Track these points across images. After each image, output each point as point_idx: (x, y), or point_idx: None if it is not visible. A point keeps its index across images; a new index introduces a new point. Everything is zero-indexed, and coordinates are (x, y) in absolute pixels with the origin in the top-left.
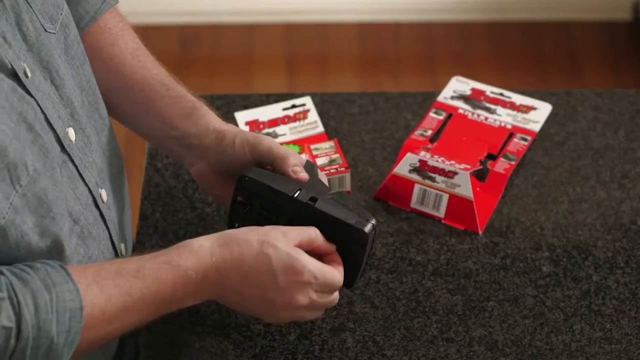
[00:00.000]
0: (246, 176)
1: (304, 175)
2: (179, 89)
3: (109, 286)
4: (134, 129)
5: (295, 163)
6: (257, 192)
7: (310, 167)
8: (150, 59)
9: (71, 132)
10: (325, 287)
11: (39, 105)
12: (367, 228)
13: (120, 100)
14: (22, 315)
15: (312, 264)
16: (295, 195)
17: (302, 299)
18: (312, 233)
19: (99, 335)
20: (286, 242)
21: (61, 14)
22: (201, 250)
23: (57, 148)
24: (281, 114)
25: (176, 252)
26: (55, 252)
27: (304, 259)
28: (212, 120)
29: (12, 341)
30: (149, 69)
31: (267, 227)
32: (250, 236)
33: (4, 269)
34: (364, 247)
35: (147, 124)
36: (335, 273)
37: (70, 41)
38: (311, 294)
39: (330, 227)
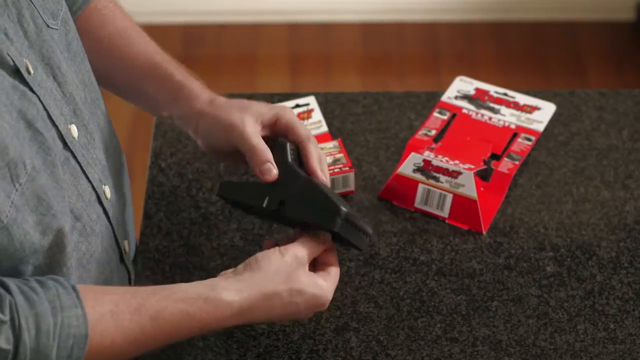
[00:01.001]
0: (218, 192)
1: (269, 176)
2: (165, 69)
3: (124, 320)
4: (131, 102)
5: (264, 161)
6: (235, 202)
7: (281, 147)
8: (139, 38)
9: (74, 129)
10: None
11: (41, 102)
12: (336, 226)
13: (112, 81)
14: (21, 339)
15: (330, 292)
16: (265, 204)
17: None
18: (320, 247)
19: None
20: (309, 280)
21: (61, 10)
22: (228, 309)
23: (60, 145)
24: None
25: (201, 305)
26: (57, 249)
27: (326, 294)
28: (196, 104)
29: None
30: (137, 49)
31: (291, 268)
32: (280, 288)
33: (13, 285)
34: (340, 239)
35: (140, 103)
36: (336, 279)
37: (71, 37)
38: None
39: (304, 225)
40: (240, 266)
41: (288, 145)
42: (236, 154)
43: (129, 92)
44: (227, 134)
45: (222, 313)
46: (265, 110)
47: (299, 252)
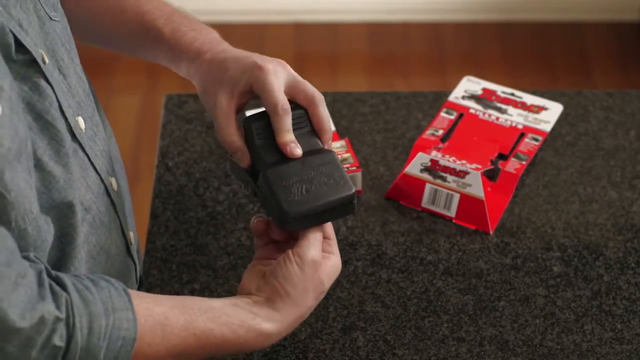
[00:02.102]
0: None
1: (241, 164)
2: (155, 30)
3: (172, 335)
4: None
5: (232, 150)
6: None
7: (247, 130)
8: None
9: (81, 121)
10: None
11: (54, 92)
12: (288, 227)
13: (115, 46)
14: (74, 337)
15: (339, 259)
16: (248, 190)
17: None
18: (321, 236)
19: None
20: (328, 273)
21: (59, 4)
22: (267, 338)
23: (69, 137)
24: None
25: (244, 333)
26: (69, 241)
27: (338, 263)
28: (182, 68)
29: (59, 359)
30: (128, 13)
31: (315, 279)
32: (311, 302)
33: (69, 282)
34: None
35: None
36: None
37: (69, 32)
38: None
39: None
40: (267, 293)
41: (253, 125)
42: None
43: (132, 53)
44: (207, 107)
45: (260, 342)
46: (238, 77)
47: (313, 255)
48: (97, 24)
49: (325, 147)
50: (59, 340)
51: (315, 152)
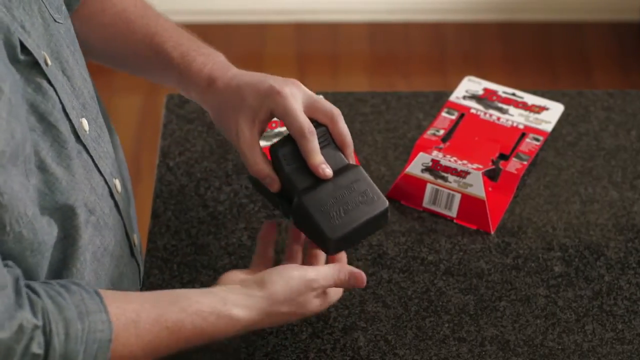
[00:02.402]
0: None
1: (272, 189)
2: (165, 53)
3: (144, 331)
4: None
5: (262, 177)
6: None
7: (275, 157)
8: (137, 19)
9: (85, 122)
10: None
11: (57, 94)
12: (329, 251)
13: (123, 65)
14: (51, 344)
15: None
16: (280, 210)
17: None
18: (335, 278)
19: None
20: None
21: (63, 6)
22: (237, 325)
23: (73, 138)
24: None
25: (215, 320)
26: (71, 242)
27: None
28: (195, 91)
29: None
30: (137, 33)
31: (297, 295)
32: (284, 309)
33: (40, 289)
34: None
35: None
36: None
37: (73, 34)
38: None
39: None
40: (250, 277)
41: (280, 152)
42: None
43: (142, 75)
44: (225, 133)
45: (232, 328)
46: (258, 104)
47: (322, 285)
48: (107, 45)
49: (349, 161)
50: (37, 348)
51: (343, 169)
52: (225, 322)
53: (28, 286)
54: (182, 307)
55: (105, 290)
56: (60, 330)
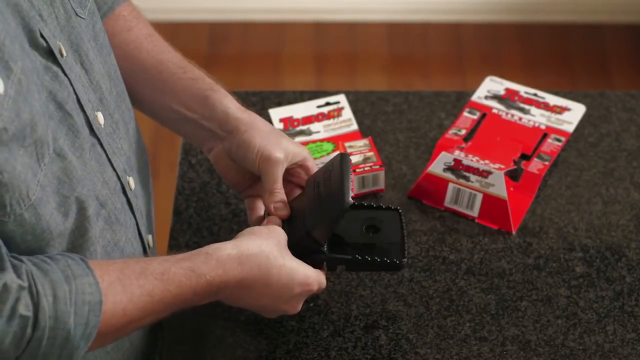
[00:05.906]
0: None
1: (283, 213)
2: (195, 72)
3: (132, 285)
4: (152, 114)
5: (277, 200)
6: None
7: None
8: (164, 44)
9: (100, 116)
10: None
11: (72, 85)
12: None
13: (138, 84)
14: (40, 305)
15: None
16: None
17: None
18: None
19: (117, 332)
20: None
21: (89, 2)
22: (228, 262)
23: (87, 130)
24: (315, 111)
25: (203, 259)
26: (80, 233)
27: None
28: (230, 105)
29: (29, 330)
30: (165, 52)
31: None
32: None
33: (24, 258)
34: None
35: (165, 107)
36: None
37: (98, 29)
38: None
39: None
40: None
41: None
42: (244, 170)
43: (155, 94)
44: (264, 161)
45: (223, 267)
46: (295, 150)
47: (311, 285)
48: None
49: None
50: (25, 310)
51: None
52: (215, 259)
53: (11, 255)
54: (166, 258)
55: (89, 259)
56: (48, 292)
